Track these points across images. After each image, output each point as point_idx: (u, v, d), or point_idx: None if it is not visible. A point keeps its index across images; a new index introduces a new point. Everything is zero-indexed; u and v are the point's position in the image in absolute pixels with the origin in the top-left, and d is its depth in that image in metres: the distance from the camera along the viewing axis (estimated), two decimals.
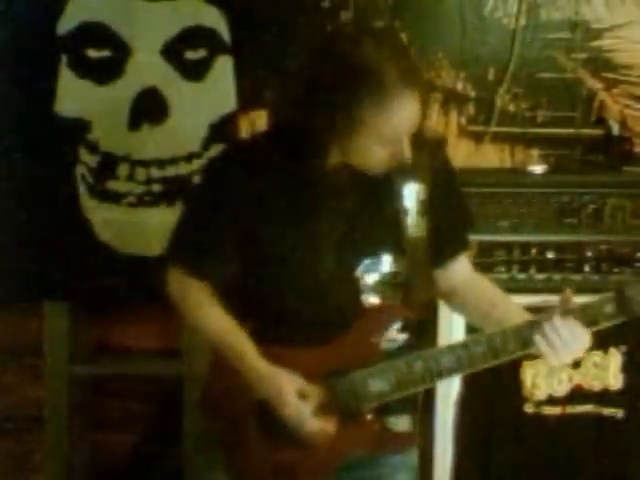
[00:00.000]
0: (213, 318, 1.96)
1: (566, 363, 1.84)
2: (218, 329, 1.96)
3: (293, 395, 1.83)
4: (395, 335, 1.92)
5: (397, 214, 1.91)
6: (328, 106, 1.74)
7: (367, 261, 1.90)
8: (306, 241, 1.89)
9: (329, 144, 1.81)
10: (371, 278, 1.91)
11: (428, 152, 1.93)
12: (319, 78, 1.76)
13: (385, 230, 1.91)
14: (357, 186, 1.88)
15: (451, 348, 1.85)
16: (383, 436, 1.92)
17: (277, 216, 1.89)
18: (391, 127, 1.76)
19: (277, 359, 1.86)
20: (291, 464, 1.91)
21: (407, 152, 1.79)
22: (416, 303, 1.93)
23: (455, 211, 2.01)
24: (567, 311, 1.79)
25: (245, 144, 2.06)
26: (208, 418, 2.02)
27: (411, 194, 1.91)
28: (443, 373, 1.84)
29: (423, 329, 1.98)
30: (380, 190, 1.91)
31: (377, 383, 1.85)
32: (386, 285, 1.92)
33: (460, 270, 2.03)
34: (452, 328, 2.57)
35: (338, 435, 1.86)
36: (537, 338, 1.80)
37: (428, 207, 1.91)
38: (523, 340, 1.82)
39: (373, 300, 1.92)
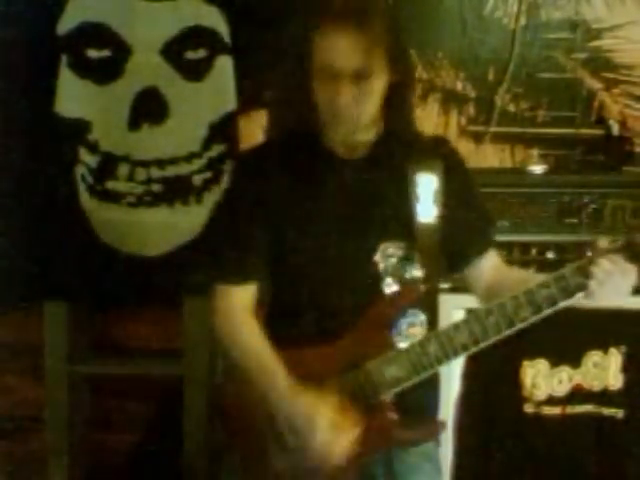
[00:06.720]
0: (252, 336, 1.94)
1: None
2: (255, 348, 1.92)
3: (326, 428, 1.80)
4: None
5: (410, 200, 1.92)
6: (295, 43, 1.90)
7: (384, 245, 1.91)
8: (326, 227, 1.91)
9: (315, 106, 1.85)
10: (389, 263, 1.92)
11: (432, 149, 1.98)
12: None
13: (398, 215, 1.92)
14: (372, 171, 1.92)
15: (466, 322, 1.82)
16: (402, 430, 1.90)
17: (296, 205, 1.92)
18: (323, 54, 1.79)
19: (291, 362, 1.86)
20: (310, 471, 1.88)
21: (344, 97, 1.80)
22: (427, 290, 1.93)
23: (474, 210, 2.02)
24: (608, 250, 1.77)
25: (261, 147, 2.13)
26: (223, 423, 2.02)
27: (423, 182, 1.93)
28: (458, 350, 1.83)
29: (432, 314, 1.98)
30: (394, 174, 1.93)
31: (392, 370, 1.85)
32: (402, 271, 1.92)
33: (490, 267, 2.01)
34: None
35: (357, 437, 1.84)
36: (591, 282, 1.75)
37: (440, 197, 1.93)
38: (536, 304, 1.78)
39: (390, 286, 1.92)
